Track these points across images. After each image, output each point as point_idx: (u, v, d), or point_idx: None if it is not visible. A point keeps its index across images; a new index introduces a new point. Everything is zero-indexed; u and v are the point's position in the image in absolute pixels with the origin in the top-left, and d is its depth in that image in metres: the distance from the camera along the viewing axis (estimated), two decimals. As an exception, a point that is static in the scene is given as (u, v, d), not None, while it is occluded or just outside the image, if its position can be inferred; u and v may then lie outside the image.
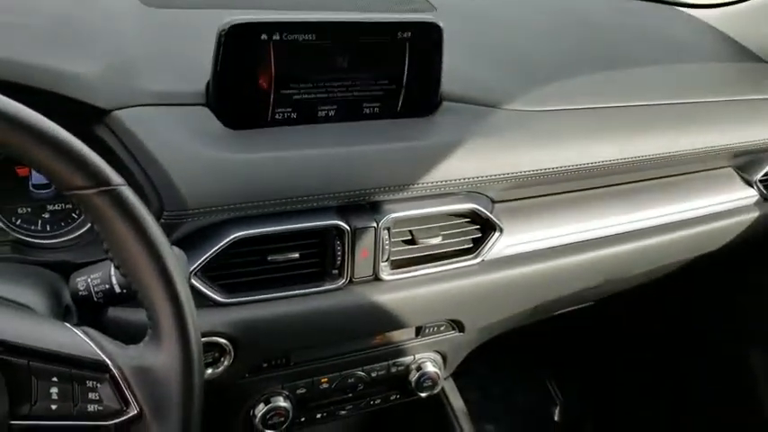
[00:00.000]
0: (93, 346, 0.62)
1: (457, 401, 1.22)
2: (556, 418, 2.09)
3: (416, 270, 1.03)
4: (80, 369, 0.61)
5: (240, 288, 0.92)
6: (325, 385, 1.06)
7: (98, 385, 0.61)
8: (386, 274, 1.00)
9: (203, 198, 0.86)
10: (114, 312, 0.84)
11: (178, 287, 0.63)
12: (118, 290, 0.74)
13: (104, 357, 0.62)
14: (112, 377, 0.62)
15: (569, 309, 1.34)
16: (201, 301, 0.89)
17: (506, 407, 1.96)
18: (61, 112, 0.72)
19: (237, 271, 0.92)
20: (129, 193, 0.62)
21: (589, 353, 2.01)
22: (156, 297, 0.63)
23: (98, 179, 0.61)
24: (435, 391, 1.15)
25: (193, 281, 0.88)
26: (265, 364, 1.00)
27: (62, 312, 0.77)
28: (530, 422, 2.03)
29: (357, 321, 1.00)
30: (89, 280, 0.76)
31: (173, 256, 0.64)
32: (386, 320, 1.02)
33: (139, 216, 0.62)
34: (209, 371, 0.93)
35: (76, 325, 0.66)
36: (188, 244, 0.88)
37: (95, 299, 0.76)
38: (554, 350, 2.05)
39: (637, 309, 1.68)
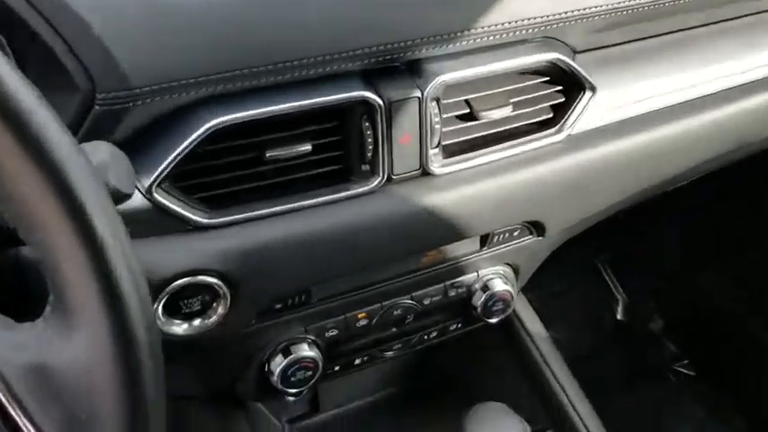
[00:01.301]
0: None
1: (533, 324, 0.95)
2: (619, 317, 1.84)
3: (479, 157, 0.73)
4: None
5: (230, 202, 0.64)
6: (362, 322, 0.78)
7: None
8: (437, 165, 0.70)
9: (156, 67, 0.56)
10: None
11: (92, 212, 0.33)
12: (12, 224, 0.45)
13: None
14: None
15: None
16: (174, 224, 0.61)
17: (561, 307, 1.71)
18: None
19: (223, 177, 0.63)
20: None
21: (656, 242, 1.73)
22: (52, 236, 0.33)
23: None
24: (507, 314, 0.87)
25: (158, 195, 0.59)
26: (278, 306, 0.71)
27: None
28: (589, 323, 1.78)
29: (401, 235, 0.72)
30: (-33, 210, 0.46)
31: (81, 158, 0.34)
32: (441, 231, 0.73)
33: (12, 92, 0.31)
34: (197, 323, 0.65)
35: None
36: (144, 142, 0.59)
37: (-18, 239, 0.46)
38: (613, 239, 1.77)
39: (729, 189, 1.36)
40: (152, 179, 0.58)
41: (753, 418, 1.57)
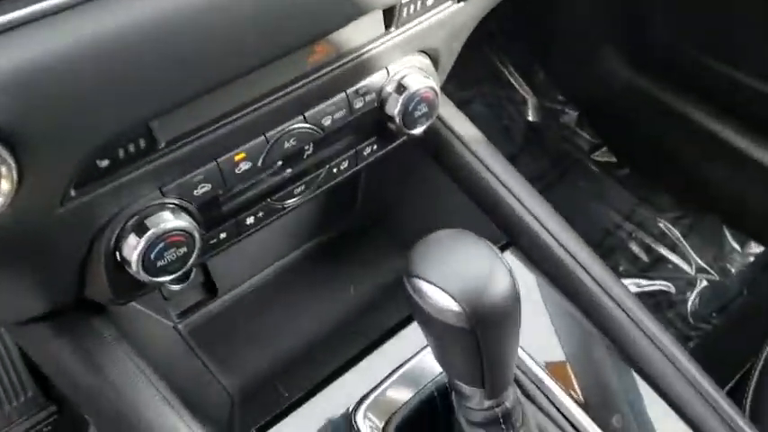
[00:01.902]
0: None
1: (464, 126, 0.73)
2: (530, 118, 1.70)
3: None
4: None
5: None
6: (244, 165, 0.55)
7: None
8: None
9: None
10: None
11: None
12: None
13: None
14: None
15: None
16: None
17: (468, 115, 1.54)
18: None
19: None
20: None
21: (555, 28, 1.54)
22: None
23: None
24: (432, 120, 0.66)
25: None
26: (105, 162, 0.46)
27: None
28: (501, 128, 1.63)
29: (264, 17, 0.47)
30: None
31: None
32: (324, 5, 0.49)
33: None
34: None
35: None
36: None
37: None
38: (511, 33, 1.58)
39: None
40: None
41: (676, 193, 1.50)
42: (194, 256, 0.54)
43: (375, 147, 0.66)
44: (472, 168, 0.73)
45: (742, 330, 1.30)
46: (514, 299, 0.50)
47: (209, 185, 0.54)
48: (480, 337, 0.49)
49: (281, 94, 0.53)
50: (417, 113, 0.64)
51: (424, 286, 0.48)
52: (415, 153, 0.74)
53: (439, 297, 0.48)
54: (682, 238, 1.48)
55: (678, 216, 1.50)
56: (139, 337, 0.65)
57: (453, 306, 0.47)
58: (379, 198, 0.81)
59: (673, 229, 1.49)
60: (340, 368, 0.70)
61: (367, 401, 0.67)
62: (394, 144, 0.68)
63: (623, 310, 0.71)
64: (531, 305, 0.75)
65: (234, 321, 0.76)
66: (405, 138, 0.66)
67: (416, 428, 0.67)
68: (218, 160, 0.53)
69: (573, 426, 0.69)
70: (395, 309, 0.73)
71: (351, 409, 0.67)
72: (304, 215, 0.78)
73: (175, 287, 0.60)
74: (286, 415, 0.67)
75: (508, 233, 0.73)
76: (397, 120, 0.63)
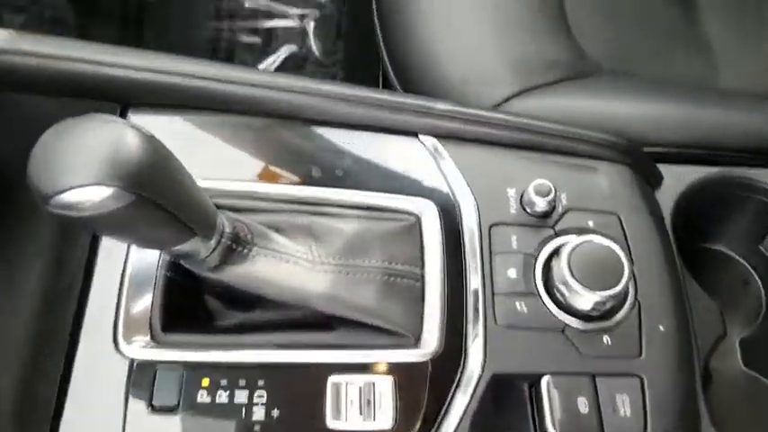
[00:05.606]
0: None
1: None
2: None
3: None
4: None
5: None
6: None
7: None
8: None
9: None
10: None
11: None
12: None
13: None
14: None
15: None
16: None
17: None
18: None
19: None
20: None
21: None
22: None
23: None
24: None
25: None
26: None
27: None
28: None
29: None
30: None
31: None
32: None
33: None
34: None
35: None
36: None
37: None
38: None
39: None
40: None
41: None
42: None
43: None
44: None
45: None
46: (154, 147, 0.46)
47: None
48: (153, 197, 0.45)
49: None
50: None
51: (67, 196, 0.42)
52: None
53: (87, 194, 0.42)
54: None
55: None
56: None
57: (105, 191, 0.42)
58: None
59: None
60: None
61: (119, 327, 0.62)
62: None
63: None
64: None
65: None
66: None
67: (184, 312, 0.65)
68: None
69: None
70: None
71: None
72: None
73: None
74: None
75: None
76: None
